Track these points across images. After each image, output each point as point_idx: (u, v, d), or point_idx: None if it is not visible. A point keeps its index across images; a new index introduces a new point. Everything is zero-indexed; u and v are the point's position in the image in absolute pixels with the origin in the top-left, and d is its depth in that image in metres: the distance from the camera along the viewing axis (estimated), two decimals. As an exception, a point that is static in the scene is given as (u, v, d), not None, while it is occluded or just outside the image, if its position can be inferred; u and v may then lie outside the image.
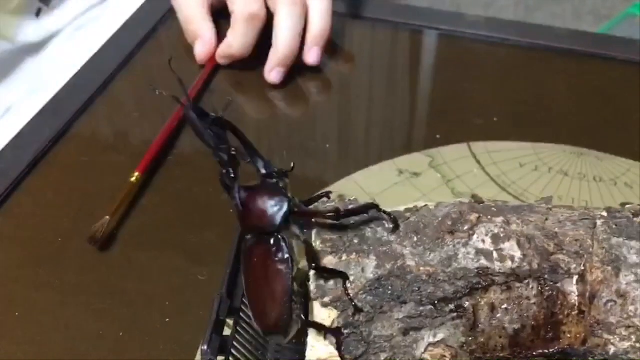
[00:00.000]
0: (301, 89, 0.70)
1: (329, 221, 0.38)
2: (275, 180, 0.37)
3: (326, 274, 0.37)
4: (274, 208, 0.37)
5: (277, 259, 0.37)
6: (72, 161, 0.61)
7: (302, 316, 0.37)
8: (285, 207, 0.37)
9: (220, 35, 0.69)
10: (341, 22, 0.76)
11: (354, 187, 0.58)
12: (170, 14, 0.75)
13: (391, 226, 0.38)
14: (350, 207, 0.38)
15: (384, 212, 0.38)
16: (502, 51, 0.74)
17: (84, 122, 0.64)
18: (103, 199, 0.56)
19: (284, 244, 0.37)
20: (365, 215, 0.38)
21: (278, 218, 0.36)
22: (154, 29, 0.75)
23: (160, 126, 0.62)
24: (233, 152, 0.37)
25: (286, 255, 0.36)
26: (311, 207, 0.40)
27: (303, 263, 0.37)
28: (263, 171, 0.38)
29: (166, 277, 0.51)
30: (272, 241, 0.37)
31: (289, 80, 0.69)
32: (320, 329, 0.36)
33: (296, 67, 0.69)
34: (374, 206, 0.38)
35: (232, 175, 0.37)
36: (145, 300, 0.50)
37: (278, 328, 0.37)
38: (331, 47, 0.72)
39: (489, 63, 0.73)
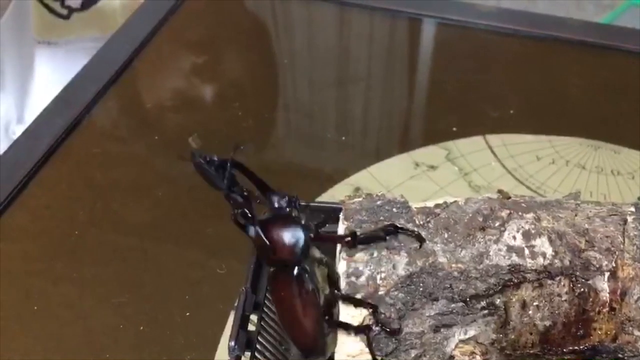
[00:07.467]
0: (317, 81, 0.69)
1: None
2: (288, 211, 0.37)
3: (353, 303, 0.36)
4: (292, 240, 0.36)
5: (301, 291, 0.36)
6: (85, 153, 0.60)
7: (329, 321, 0.37)
8: (302, 239, 0.36)
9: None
10: (359, 12, 0.75)
11: (370, 180, 0.58)
12: (182, 2, 0.74)
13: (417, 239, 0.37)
14: (368, 231, 0.37)
15: (404, 229, 0.37)
16: (515, 42, 0.73)
17: (97, 113, 0.63)
18: (118, 191, 0.55)
19: (306, 276, 0.36)
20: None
21: (297, 250, 0.36)
22: (166, 17, 0.74)
23: (173, 116, 0.61)
24: (246, 193, 0.36)
25: (310, 287, 0.36)
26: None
27: (328, 289, 0.37)
28: (275, 205, 0.37)
29: (184, 270, 0.51)
30: (294, 274, 0.36)
31: (306, 73, 0.68)
32: (348, 328, 0.36)
33: (311, 60, 0.68)
34: (394, 227, 0.37)
35: (248, 215, 0.36)
36: (164, 294, 0.49)
37: (315, 351, 0.37)
38: (348, 39, 0.71)
39: (503, 55, 0.73)
